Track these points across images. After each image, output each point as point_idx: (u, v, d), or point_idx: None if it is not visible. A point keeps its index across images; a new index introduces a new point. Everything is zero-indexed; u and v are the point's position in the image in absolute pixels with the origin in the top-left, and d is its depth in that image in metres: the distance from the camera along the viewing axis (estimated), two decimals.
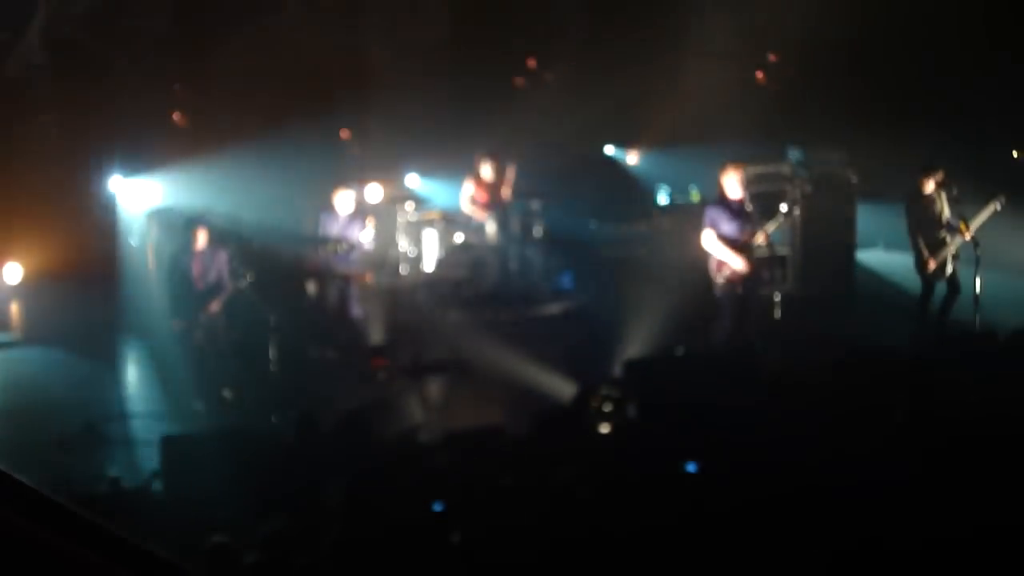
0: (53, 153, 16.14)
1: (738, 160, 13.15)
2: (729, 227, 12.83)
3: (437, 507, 8.36)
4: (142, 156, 16.77)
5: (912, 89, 18.52)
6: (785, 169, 16.28)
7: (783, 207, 13.36)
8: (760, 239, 13.04)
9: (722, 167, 13.01)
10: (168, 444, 10.30)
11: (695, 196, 16.11)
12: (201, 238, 13.02)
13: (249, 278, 12.85)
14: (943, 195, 13.66)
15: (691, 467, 8.35)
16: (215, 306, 12.77)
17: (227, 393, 12.41)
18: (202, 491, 9.43)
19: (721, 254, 12.84)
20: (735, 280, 12.92)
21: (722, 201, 13.00)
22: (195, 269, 12.91)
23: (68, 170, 16.13)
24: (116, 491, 10.17)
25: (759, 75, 19.96)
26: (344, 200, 13.73)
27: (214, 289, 12.89)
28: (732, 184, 12.93)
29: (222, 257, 12.98)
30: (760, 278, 13.46)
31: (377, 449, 10.34)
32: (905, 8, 18.05)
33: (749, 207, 13.03)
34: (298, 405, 11.57)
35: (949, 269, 13.65)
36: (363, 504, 8.47)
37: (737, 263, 12.81)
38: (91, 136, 17.06)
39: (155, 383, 13.26)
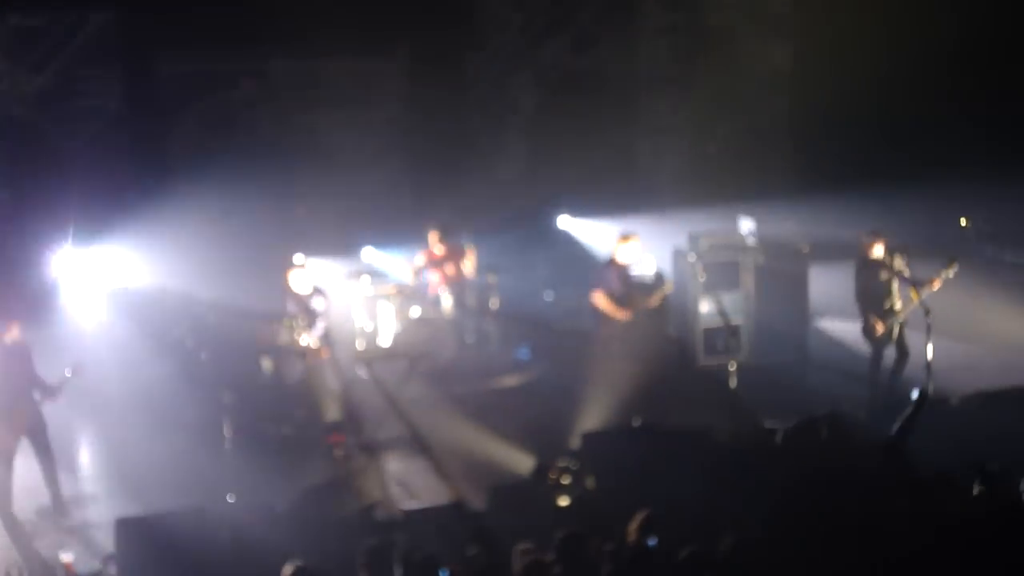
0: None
1: (628, 235, 14.27)
2: (615, 287, 13.96)
3: None
4: (98, 236, 16.73)
5: (863, 157, 18.77)
6: (737, 240, 16.43)
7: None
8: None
9: (620, 237, 14.25)
10: (123, 527, 10.18)
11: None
12: (14, 331, 11.79)
13: (203, 355, 12.78)
14: (893, 261, 13.80)
15: (652, 542, 8.35)
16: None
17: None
18: (157, 574, 9.32)
19: (606, 308, 13.94)
20: (617, 333, 13.99)
21: (611, 264, 14.14)
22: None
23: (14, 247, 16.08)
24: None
25: (710, 147, 20.16)
26: (298, 279, 13.71)
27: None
28: (624, 251, 14.11)
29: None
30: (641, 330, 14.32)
31: (336, 527, 10.28)
32: (852, 78, 18.33)
33: (637, 272, 14.40)
34: (254, 484, 11.49)
35: (896, 333, 13.77)
36: None
37: (619, 314, 13.90)
38: (47, 215, 17.05)
39: (108, 465, 13.15)
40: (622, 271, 14.21)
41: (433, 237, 16.10)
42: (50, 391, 11.86)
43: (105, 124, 17.84)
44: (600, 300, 14.07)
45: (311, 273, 13.89)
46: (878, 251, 13.83)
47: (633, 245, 14.25)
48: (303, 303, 13.62)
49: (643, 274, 14.63)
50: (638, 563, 8.23)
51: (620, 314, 13.95)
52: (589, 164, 19.00)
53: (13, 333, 11.74)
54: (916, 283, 13.49)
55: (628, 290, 14.15)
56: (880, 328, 13.72)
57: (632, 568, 8.21)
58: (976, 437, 11.24)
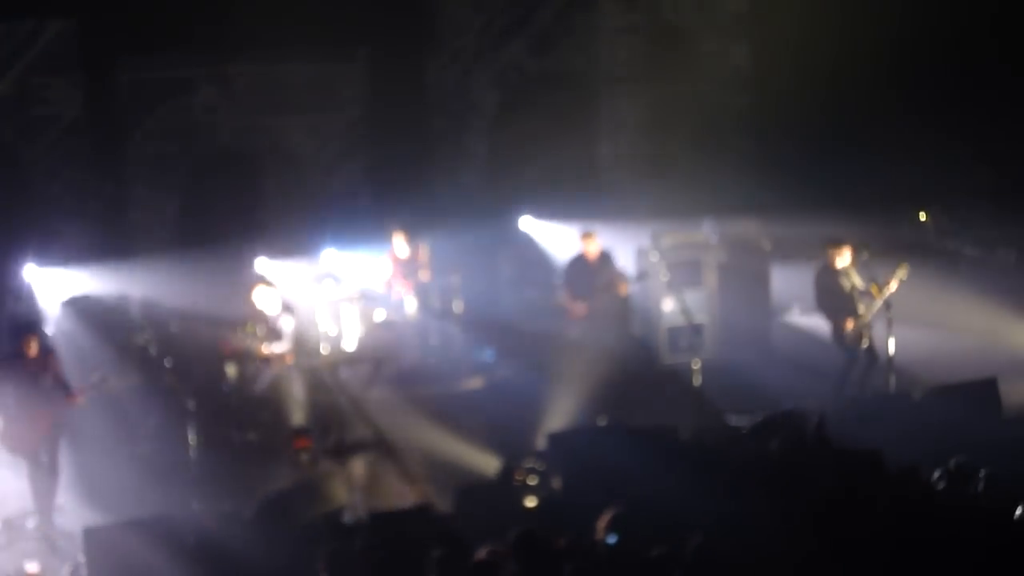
0: None
1: (590, 231, 15.53)
2: (580, 281, 15.20)
3: None
4: (58, 244, 16.68)
5: (822, 154, 18.88)
6: (700, 238, 16.51)
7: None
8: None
9: (581, 234, 15.48)
10: (90, 536, 10.14)
11: None
12: (33, 347, 12.04)
13: (167, 363, 12.74)
14: (851, 267, 13.85)
15: (611, 539, 8.36)
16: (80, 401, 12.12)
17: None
18: None
19: (567, 303, 15.35)
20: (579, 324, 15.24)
21: (578, 259, 15.43)
22: (26, 378, 11.91)
23: None
24: None
25: (671, 146, 20.24)
26: (264, 298, 13.73)
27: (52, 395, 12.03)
28: (587, 247, 15.33)
29: (56, 362, 12.21)
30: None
31: (302, 532, 10.27)
32: (811, 76, 18.43)
33: (607, 262, 15.40)
34: (220, 491, 11.47)
35: (866, 341, 13.80)
36: None
37: (575, 309, 15.22)
38: (7, 224, 16.96)
39: (76, 473, 13.07)
40: (589, 265, 15.08)
41: (399, 238, 16.12)
42: (73, 394, 12.01)
43: (65, 131, 17.74)
44: (564, 298, 15.15)
45: (278, 291, 13.90)
46: (838, 259, 13.85)
47: (594, 240, 15.24)
48: (270, 323, 13.61)
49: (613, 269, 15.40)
50: (602, 562, 8.25)
51: (576, 308, 15.08)
52: (551, 165, 19.05)
53: (32, 348, 11.93)
54: (876, 280, 13.56)
55: (595, 285, 15.03)
56: (849, 326, 13.74)
57: (596, 567, 8.24)
58: (938, 430, 11.32)
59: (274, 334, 13.51)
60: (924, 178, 18.16)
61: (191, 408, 12.52)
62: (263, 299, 13.74)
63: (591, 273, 15.31)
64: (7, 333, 14.02)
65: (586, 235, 15.48)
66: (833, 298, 13.87)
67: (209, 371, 13.95)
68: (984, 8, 18.97)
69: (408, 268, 16.15)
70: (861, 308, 13.78)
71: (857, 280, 13.83)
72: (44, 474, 11.86)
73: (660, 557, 8.14)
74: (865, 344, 13.83)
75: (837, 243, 13.92)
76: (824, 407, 12.92)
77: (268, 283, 14.05)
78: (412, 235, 16.27)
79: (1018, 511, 8.42)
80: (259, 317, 13.62)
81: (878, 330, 13.68)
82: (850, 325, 13.76)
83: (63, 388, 12.00)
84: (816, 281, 14.03)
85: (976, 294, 16.45)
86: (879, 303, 13.51)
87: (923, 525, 8.41)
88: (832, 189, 17.58)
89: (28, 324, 12.71)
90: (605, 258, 15.45)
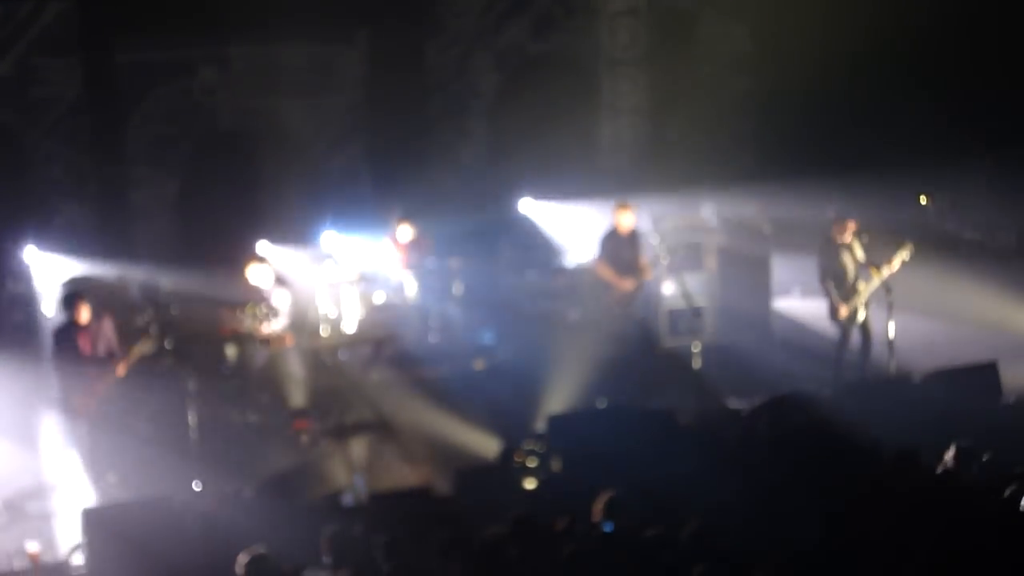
0: None
1: (625, 202, 14.74)
2: (617, 255, 14.34)
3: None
4: (58, 226, 16.67)
5: (823, 137, 18.86)
6: (700, 221, 16.51)
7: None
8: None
9: (616, 206, 14.63)
10: (90, 517, 10.15)
11: None
12: (84, 312, 12.35)
13: (167, 344, 12.72)
14: (855, 242, 13.90)
15: (608, 527, 8.40)
16: (121, 371, 12.40)
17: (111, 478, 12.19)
18: (124, 563, 9.31)
19: (609, 278, 14.33)
20: (622, 300, 14.30)
21: (612, 233, 14.44)
22: (82, 344, 12.33)
23: None
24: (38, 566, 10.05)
25: (671, 129, 20.23)
26: (258, 273, 13.71)
27: (106, 360, 12.41)
28: (622, 219, 14.45)
29: (108, 326, 12.57)
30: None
31: (302, 513, 10.28)
32: (812, 59, 18.39)
33: (637, 239, 14.63)
34: (220, 472, 11.47)
35: (862, 316, 13.85)
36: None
37: (623, 284, 14.30)
38: (7, 205, 16.95)
39: (75, 456, 13.08)
40: (623, 239, 14.41)
41: (404, 226, 16.11)
42: (121, 360, 12.27)
43: (64, 113, 17.71)
44: (603, 270, 14.36)
45: (272, 266, 13.88)
46: (841, 235, 13.90)
47: (629, 213, 14.49)
48: (263, 298, 13.59)
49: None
50: (599, 544, 8.28)
51: (623, 284, 14.23)
52: (551, 147, 19.01)
53: (83, 314, 12.27)
54: (877, 263, 13.58)
55: (631, 258, 14.35)
56: (844, 310, 13.80)
57: (594, 549, 8.27)
58: (938, 414, 11.33)
59: (272, 311, 13.48)
60: (925, 161, 18.11)
61: (191, 389, 12.52)
62: (257, 275, 13.71)
63: (623, 247, 14.66)
64: (9, 309, 14.14)
65: (621, 206, 14.71)
66: (832, 273, 13.89)
67: (209, 352, 13.94)
68: None
69: (411, 252, 16.14)
70: (860, 285, 13.81)
71: (860, 256, 13.85)
72: (100, 437, 12.10)
73: (656, 538, 8.16)
74: (860, 320, 13.85)
75: (841, 218, 13.97)
76: (823, 390, 12.98)
77: (261, 259, 13.99)
78: (413, 220, 16.24)
79: (1007, 491, 8.45)
80: (255, 294, 13.59)
81: (878, 312, 13.68)
82: (844, 305, 13.78)
83: (114, 354, 12.33)
84: (818, 254, 14.06)
85: (976, 278, 16.45)
86: (878, 282, 13.53)
87: (922, 508, 8.43)
88: (832, 172, 17.55)
89: (76, 291, 12.81)
90: (636, 236, 14.79)
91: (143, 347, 12.42)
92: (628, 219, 14.53)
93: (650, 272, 14.63)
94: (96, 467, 12.15)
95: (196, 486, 11.55)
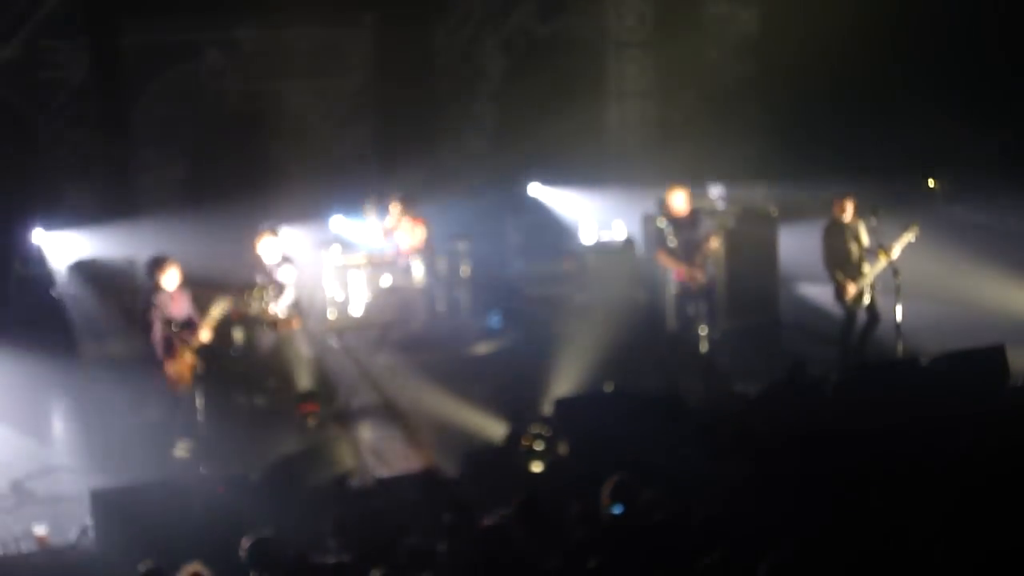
0: None
1: (676, 183, 14.31)
2: (675, 240, 13.91)
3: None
4: (65, 208, 16.66)
5: (830, 120, 18.82)
6: (707, 203, 16.48)
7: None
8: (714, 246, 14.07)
9: (669, 187, 14.21)
10: (98, 499, 10.18)
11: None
12: (173, 277, 12.66)
13: (174, 327, 12.72)
14: (861, 224, 13.87)
15: (617, 509, 8.38)
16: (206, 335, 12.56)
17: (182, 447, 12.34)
18: (132, 545, 9.33)
19: (670, 265, 14.00)
20: (691, 284, 14.00)
21: (668, 217, 14.04)
22: (173, 309, 12.60)
23: None
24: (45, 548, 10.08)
25: (678, 112, 20.20)
26: (268, 247, 13.65)
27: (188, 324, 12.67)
28: (678, 200, 14.04)
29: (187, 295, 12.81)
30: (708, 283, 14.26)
31: (308, 497, 10.30)
32: (814, 43, 18.33)
33: (696, 218, 14.16)
34: (227, 455, 11.48)
35: (867, 299, 13.83)
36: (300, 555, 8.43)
37: (684, 271, 13.93)
38: (15, 188, 16.96)
39: (83, 437, 13.12)
40: (678, 221, 14.09)
41: (395, 209, 15.89)
42: (194, 329, 12.50)
43: (72, 95, 17.71)
44: (664, 259, 14.11)
45: (281, 242, 13.85)
46: (846, 214, 13.88)
47: (682, 193, 14.14)
48: (270, 272, 13.57)
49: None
50: (607, 528, 8.28)
51: (686, 271, 13.94)
52: (558, 130, 18.98)
53: (166, 276, 12.56)
54: (884, 244, 13.55)
55: (688, 240, 14.00)
56: (851, 290, 13.77)
57: (601, 533, 8.27)
58: (945, 396, 11.32)
59: (278, 289, 13.44)
60: (933, 144, 18.07)
61: (198, 372, 12.53)
62: (266, 248, 13.65)
63: (683, 229, 14.13)
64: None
65: (673, 187, 14.32)
66: (837, 254, 13.86)
67: (216, 335, 13.94)
68: None
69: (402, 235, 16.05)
70: (866, 267, 13.78)
71: (864, 238, 13.82)
72: (192, 405, 12.29)
73: (663, 523, 8.16)
74: (866, 302, 13.83)
75: (840, 196, 13.94)
76: (831, 373, 12.97)
77: (274, 232, 13.92)
78: (411, 205, 16.07)
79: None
80: (261, 269, 13.56)
81: (885, 295, 13.66)
82: (851, 285, 13.75)
83: (193, 320, 12.60)
84: (823, 236, 14.03)
85: (984, 261, 16.42)
86: (884, 264, 13.50)
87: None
88: (840, 155, 17.51)
89: (164, 256, 12.86)
90: (696, 215, 14.36)
91: (220, 309, 12.52)
92: (678, 201, 14.14)
93: (716, 245, 14.33)
94: (176, 434, 12.38)
95: (203, 469, 11.58)
